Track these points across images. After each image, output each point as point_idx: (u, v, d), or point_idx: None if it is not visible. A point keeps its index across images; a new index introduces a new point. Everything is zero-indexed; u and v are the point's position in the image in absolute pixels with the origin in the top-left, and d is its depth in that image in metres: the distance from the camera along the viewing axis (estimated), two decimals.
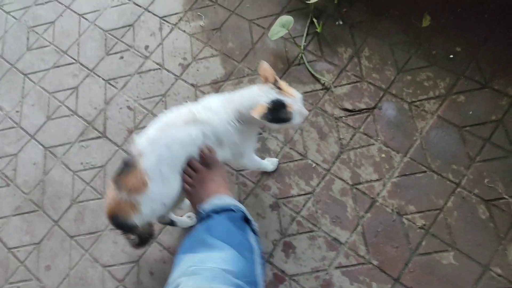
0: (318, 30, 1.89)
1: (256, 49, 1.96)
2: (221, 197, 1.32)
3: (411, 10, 1.86)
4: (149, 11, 2.17)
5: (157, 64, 2.03)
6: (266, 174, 1.71)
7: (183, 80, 1.97)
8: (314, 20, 1.90)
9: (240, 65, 1.94)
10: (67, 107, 2.05)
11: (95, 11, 2.24)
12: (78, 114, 2.02)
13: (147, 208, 1.28)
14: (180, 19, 2.11)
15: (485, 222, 1.50)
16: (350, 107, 1.75)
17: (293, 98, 1.27)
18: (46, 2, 2.34)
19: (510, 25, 1.74)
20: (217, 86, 1.92)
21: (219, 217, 1.23)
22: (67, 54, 2.17)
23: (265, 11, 2.03)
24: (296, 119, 1.28)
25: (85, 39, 2.18)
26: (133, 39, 2.12)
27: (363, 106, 1.75)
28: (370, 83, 1.78)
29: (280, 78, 1.64)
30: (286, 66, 1.89)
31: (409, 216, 1.55)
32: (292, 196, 1.67)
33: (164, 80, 1.99)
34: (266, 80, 1.29)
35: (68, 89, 2.09)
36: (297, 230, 1.61)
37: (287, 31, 1.80)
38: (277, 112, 1.24)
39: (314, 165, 1.69)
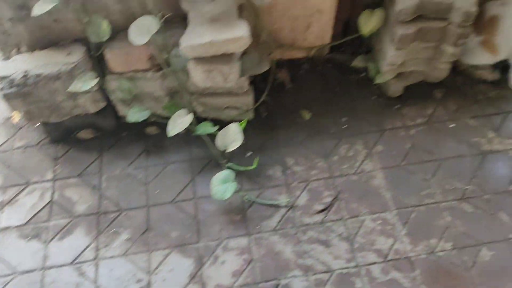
0: (242, 169, 1.94)
1: (201, 221, 1.84)
2: None
3: (290, 112, 2.14)
4: None
5: None
6: None
7: None
8: (229, 164, 1.94)
9: (201, 244, 1.78)
10: None
11: None
12: None
13: None
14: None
15: None
16: (322, 207, 1.86)
17: None
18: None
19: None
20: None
21: None
22: None
23: (177, 186, 1.94)
24: None
25: None
26: None
27: (329, 199, 1.88)
28: (315, 180, 1.93)
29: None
30: (242, 215, 1.85)
31: None
32: None
33: None
34: None
35: None
36: None
37: (235, 183, 1.79)
38: None
39: (344, 272, 1.69)
